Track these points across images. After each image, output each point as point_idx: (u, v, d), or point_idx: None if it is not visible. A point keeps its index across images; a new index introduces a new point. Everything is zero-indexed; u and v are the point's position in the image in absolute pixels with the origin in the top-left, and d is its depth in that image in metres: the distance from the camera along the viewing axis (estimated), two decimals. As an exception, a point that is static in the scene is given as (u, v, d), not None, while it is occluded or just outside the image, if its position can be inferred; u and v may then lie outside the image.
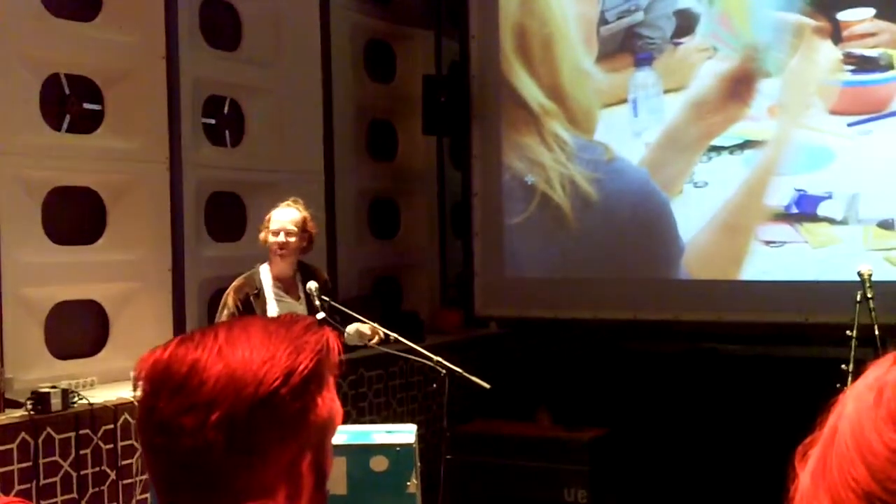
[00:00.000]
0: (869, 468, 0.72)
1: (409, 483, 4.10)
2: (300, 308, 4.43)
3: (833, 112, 5.98)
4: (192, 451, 1.02)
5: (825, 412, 0.79)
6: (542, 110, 6.79)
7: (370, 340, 4.43)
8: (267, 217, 4.50)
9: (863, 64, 5.93)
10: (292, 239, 4.45)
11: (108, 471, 4.64)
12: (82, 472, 4.54)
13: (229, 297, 4.43)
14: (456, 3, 7.33)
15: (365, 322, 4.44)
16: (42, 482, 4.38)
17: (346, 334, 4.33)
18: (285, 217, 4.47)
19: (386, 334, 4.45)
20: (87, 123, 5.21)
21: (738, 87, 6.22)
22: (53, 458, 4.43)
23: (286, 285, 4.51)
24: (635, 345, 6.60)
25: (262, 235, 4.52)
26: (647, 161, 6.51)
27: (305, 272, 4.53)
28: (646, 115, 6.54)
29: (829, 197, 6.00)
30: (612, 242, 6.56)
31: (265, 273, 4.49)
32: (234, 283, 4.49)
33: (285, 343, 1.06)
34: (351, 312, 4.43)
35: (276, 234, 4.44)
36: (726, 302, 6.24)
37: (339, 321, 4.31)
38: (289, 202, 4.54)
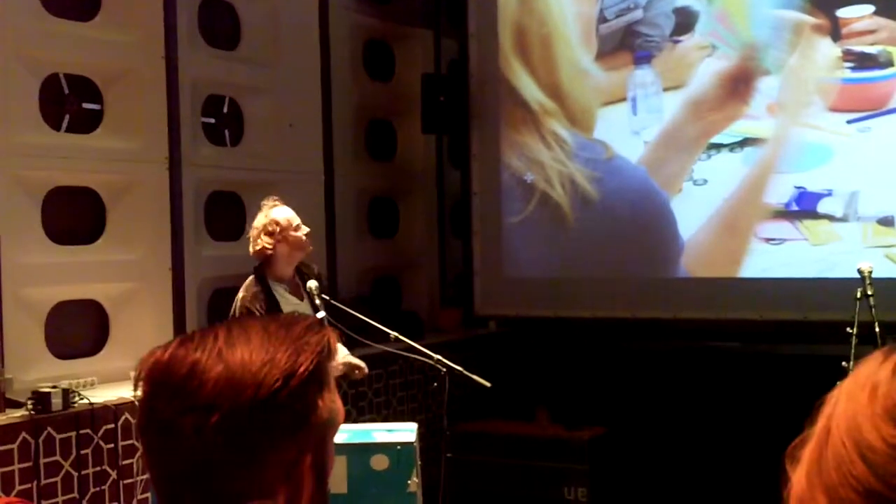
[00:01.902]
0: (869, 466, 0.72)
1: (409, 482, 4.11)
2: (304, 307, 4.38)
3: (832, 109, 5.99)
4: (191, 452, 1.02)
5: (813, 412, 0.80)
6: (541, 109, 6.79)
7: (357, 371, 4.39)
8: (269, 222, 4.35)
9: (862, 61, 5.93)
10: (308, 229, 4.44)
11: (109, 470, 4.65)
12: (83, 472, 4.54)
13: (252, 307, 4.24)
14: (455, 2, 7.33)
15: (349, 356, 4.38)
16: (43, 482, 4.38)
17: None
18: (290, 213, 4.42)
19: (385, 333, 4.43)
20: (87, 123, 5.21)
21: (738, 85, 6.22)
22: (54, 458, 4.43)
23: (291, 286, 4.45)
24: (635, 343, 6.60)
25: (267, 241, 4.34)
26: (647, 159, 6.51)
27: (300, 270, 4.50)
28: (645, 114, 6.54)
29: (829, 194, 6.00)
30: (612, 241, 6.56)
31: (266, 281, 4.38)
32: (246, 296, 4.31)
33: (285, 344, 1.06)
34: (352, 311, 4.42)
35: (297, 228, 4.38)
36: (726, 300, 6.24)
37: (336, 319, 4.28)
38: (276, 201, 4.46)
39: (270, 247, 4.35)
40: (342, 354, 4.28)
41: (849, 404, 0.76)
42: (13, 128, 4.73)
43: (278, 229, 4.36)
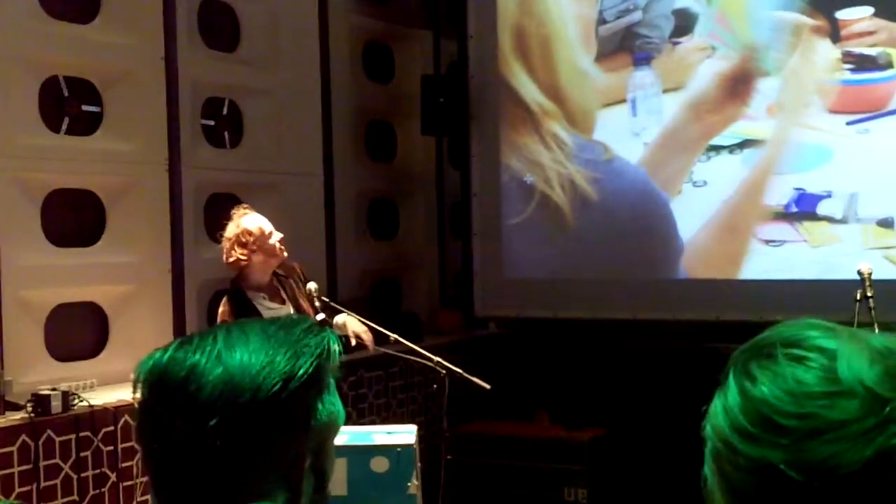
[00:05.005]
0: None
1: (409, 484, 4.11)
2: (285, 312, 4.32)
3: (832, 111, 5.99)
4: (190, 456, 1.02)
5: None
6: (540, 110, 6.79)
7: (358, 339, 4.36)
8: (241, 233, 4.29)
9: (861, 62, 5.93)
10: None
11: (109, 473, 4.64)
12: (83, 475, 4.54)
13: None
14: (454, 3, 7.32)
15: (358, 319, 4.41)
16: (42, 485, 4.38)
17: (334, 324, 4.32)
18: (262, 221, 4.37)
19: (385, 335, 4.43)
20: (86, 125, 5.21)
21: (737, 86, 6.22)
22: (54, 461, 4.43)
23: (270, 292, 4.42)
24: (635, 345, 6.60)
25: (241, 252, 4.28)
26: (646, 160, 6.51)
27: (276, 273, 4.46)
28: (644, 115, 6.54)
29: (829, 196, 6.01)
30: (612, 242, 6.56)
31: (244, 292, 4.35)
32: (225, 311, 4.32)
33: (285, 347, 1.05)
34: (345, 310, 4.42)
35: (270, 236, 4.33)
36: (726, 301, 6.24)
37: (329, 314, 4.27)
38: (246, 209, 4.42)
39: (245, 258, 4.30)
40: (348, 320, 4.37)
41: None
42: (13, 130, 4.73)
43: (251, 239, 4.30)
